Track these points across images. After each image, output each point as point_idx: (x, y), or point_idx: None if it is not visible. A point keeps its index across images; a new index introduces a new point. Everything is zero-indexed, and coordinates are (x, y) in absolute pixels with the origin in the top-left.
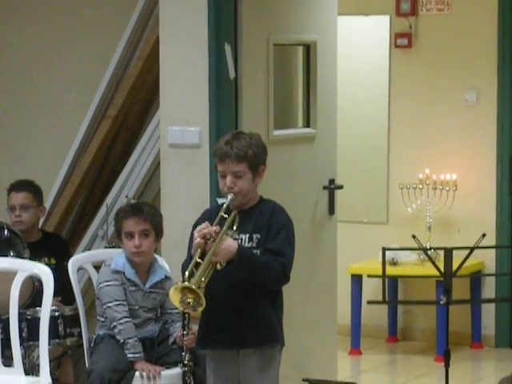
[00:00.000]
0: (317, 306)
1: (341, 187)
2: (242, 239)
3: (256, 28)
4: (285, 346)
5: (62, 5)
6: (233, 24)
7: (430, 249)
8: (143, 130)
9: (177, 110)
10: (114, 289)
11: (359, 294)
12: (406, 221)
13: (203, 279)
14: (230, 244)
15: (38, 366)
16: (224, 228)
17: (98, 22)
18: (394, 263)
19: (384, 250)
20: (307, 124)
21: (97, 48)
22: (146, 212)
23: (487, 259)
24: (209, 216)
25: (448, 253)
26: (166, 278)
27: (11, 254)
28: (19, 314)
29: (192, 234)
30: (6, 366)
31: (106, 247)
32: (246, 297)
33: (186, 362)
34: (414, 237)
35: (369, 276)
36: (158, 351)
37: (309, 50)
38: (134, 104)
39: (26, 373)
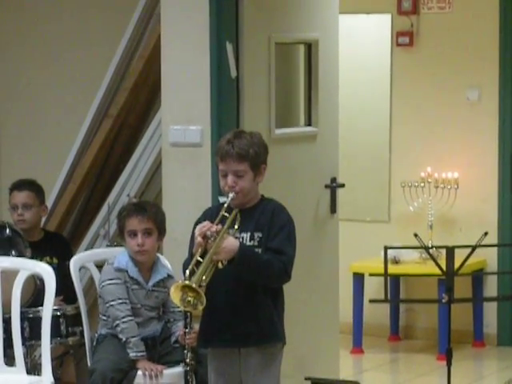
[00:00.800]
0: (319, 305)
1: (342, 186)
2: (243, 238)
3: (257, 27)
4: (286, 345)
5: (64, 4)
6: (234, 23)
7: (432, 247)
8: (145, 129)
9: (178, 108)
10: (117, 287)
11: (361, 292)
12: (407, 219)
13: (204, 278)
14: (231, 242)
15: (40, 365)
16: (225, 227)
17: (99, 21)
18: (395, 262)
19: (386, 248)
20: (309, 123)
21: (98, 47)
22: (149, 211)
23: (489, 257)
24: (210, 215)
25: (450, 251)
26: (169, 276)
27: (13, 253)
28: (21, 313)
29: (193, 233)
30: (8, 365)
31: (107, 246)
32: (248, 295)
33: (188, 360)
34: (415, 235)
35: (371, 274)
36: (160, 350)
37: (310, 48)
38: (136, 103)
39: (28, 372)
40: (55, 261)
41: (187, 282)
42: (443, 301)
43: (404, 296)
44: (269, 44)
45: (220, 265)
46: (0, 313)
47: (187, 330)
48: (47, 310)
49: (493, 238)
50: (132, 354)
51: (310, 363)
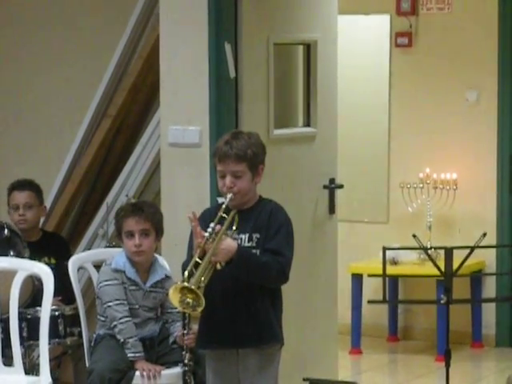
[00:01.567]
0: (317, 306)
1: (341, 186)
2: (241, 239)
3: (256, 27)
4: (285, 346)
5: (64, 5)
6: (233, 23)
7: (431, 248)
8: (143, 129)
9: (177, 109)
10: (115, 288)
11: (360, 293)
12: (406, 220)
13: (203, 279)
14: (229, 244)
15: (38, 365)
16: (223, 228)
17: (98, 20)
18: (394, 262)
19: (384, 249)
20: (307, 123)
21: (97, 47)
22: (146, 211)
23: (488, 258)
24: (208, 216)
25: (448, 252)
26: (167, 277)
27: (11, 253)
28: (19, 313)
29: (192, 234)
30: (6, 365)
31: (106, 246)
32: (246, 296)
33: (186, 361)
34: (414, 236)
35: (369, 275)
36: (158, 351)
37: (309, 49)
38: (135, 103)
39: (26, 372)
40: (53, 261)
41: (186, 284)
42: (442, 302)
43: (402, 297)
44: (267, 44)
45: (218, 266)
46: None
47: (185, 331)
48: (45, 311)
49: (491, 239)
50: (130, 355)
51: (309, 364)
